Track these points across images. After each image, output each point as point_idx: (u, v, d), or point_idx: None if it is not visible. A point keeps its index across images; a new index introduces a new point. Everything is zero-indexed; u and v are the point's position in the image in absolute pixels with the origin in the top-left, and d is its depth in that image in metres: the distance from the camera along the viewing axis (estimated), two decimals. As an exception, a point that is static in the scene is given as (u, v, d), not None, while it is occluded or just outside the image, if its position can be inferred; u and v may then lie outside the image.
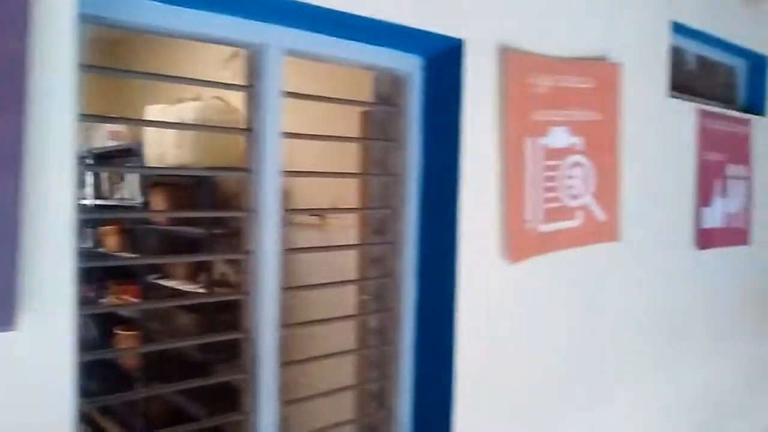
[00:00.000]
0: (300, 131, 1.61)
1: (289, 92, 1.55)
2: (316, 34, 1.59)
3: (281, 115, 1.54)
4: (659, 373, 2.68)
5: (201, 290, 3.37)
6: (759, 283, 3.41)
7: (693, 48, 2.91)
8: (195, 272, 3.58)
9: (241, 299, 1.57)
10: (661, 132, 2.52)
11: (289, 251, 1.63)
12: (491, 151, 1.81)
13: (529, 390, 2.04)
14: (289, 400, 1.62)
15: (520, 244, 1.88)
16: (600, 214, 2.18)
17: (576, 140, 2.05)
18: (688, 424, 2.92)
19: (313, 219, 3.03)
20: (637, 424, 2.58)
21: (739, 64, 3.23)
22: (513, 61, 1.81)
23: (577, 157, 2.07)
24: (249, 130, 1.53)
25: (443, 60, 1.75)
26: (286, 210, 1.61)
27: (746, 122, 3.05)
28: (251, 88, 1.53)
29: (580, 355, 2.25)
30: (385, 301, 1.86)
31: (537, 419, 2.08)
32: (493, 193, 1.82)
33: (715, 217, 2.89)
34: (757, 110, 3.20)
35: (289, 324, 1.63)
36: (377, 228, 1.88)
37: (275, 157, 1.54)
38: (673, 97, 2.60)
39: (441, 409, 1.82)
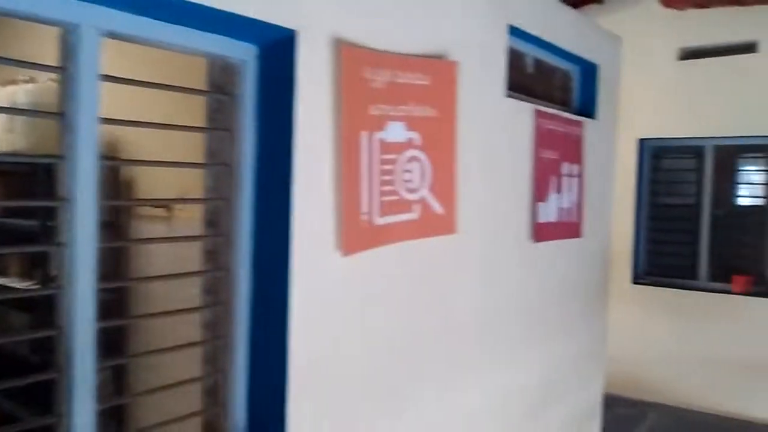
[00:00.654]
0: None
1: (107, 76, 1.48)
2: (139, 17, 1.52)
3: (98, 100, 1.46)
4: (498, 360, 2.82)
5: (35, 287, 3.15)
6: (589, 272, 3.69)
7: (531, 52, 3.08)
8: (29, 268, 3.34)
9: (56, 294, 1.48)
10: (498, 130, 2.65)
11: (110, 244, 1.55)
12: (326, 144, 1.82)
13: (364, 382, 2.07)
14: (108, 397, 1.55)
15: (354, 236, 1.91)
16: (437, 208, 2.26)
17: (413, 135, 2.11)
18: (524, 403, 3.10)
19: (160, 211, 2.92)
20: (476, 411, 2.70)
21: (573, 70, 3.47)
22: (347, 54, 1.82)
23: (414, 152, 2.13)
24: (61, 115, 1.44)
25: (276, 50, 1.73)
26: (109, 200, 1.53)
27: (579, 124, 3.29)
28: (64, 70, 1.44)
29: (420, 346, 2.31)
30: (218, 294, 1.82)
31: (371, 410, 2.12)
32: (328, 186, 1.83)
33: (550, 211, 3.09)
34: (588, 113, 3.45)
35: (108, 319, 1.56)
36: (211, 220, 1.84)
37: (91, 143, 1.46)
38: (511, 97, 2.74)
39: (275, 403, 1.81)
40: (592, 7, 5.40)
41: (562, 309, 3.38)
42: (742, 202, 5.50)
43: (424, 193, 2.20)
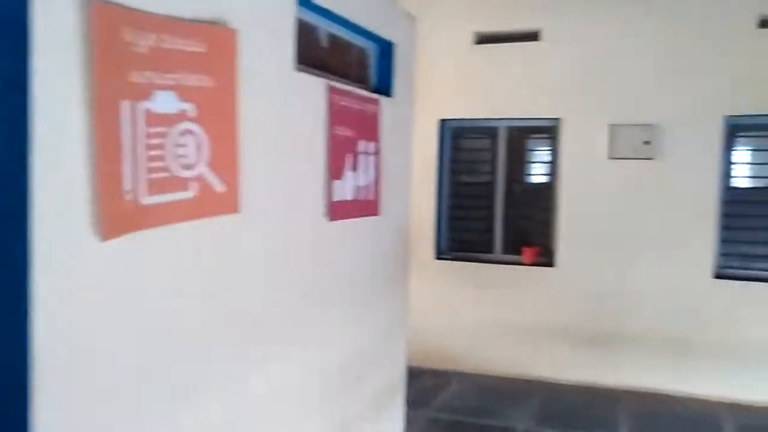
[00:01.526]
0: None
1: None
2: None
3: None
4: (293, 344, 2.74)
5: None
6: (389, 249, 3.75)
7: (325, 26, 3.01)
8: None
9: None
10: (288, 104, 2.54)
11: None
12: (76, 114, 1.59)
13: (138, 377, 1.88)
14: None
15: (115, 218, 1.70)
16: (218, 185, 2.11)
17: (186, 106, 1.94)
18: (325, 385, 3.07)
19: None
20: (268, 398, 2.61)
21: (370, 47, 3.46)
22: (99, 12, 1.61)
23: (189, 125, 1.96)
24: None
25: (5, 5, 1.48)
26: None
27: (375, 101, 3.29)
28: None
29: (203, 333, 2.16)
30: None
31: (146, 406, 1.94)
32: (80, 161, 1.61)
33: (346, 189, 3.06)
34: (385, 91, 3.47)
35: None
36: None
37: None
38: (303, 71, 2.65)
39: (17, 404, 1.57)
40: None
41: (362, 287, 3.39)
42: (533, 180, 5.93)
43: (202, 169, 2.04)
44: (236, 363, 2.34)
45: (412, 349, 5.87)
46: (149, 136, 1.80)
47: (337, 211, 2.99)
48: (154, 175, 1.84)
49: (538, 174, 5.89)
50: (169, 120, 1.88)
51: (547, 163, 5.74)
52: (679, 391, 5.32)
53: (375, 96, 3.30)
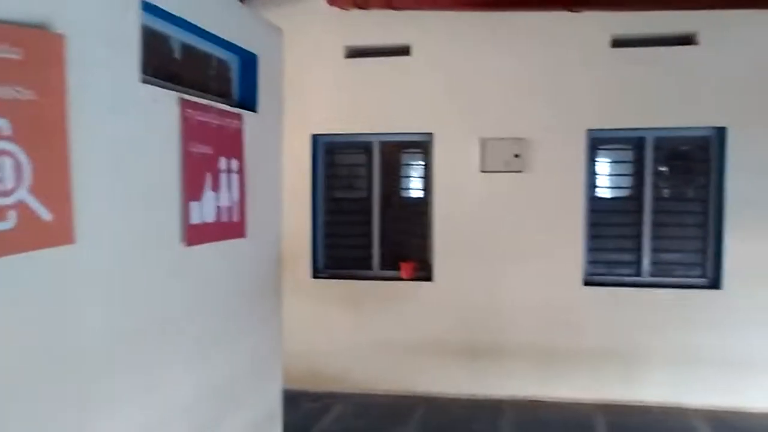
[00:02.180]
0: None
1: None
2: None
3: None
4: (144, 382, 2.47)
5: None
6: (258, 272, 3.54)
7: (178, 36, 2.78)
8: None
9: None
10: (133, 120, 2.29)
11: None
12: None
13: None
14: None
15: None
16: (44, 213, 1.83)
17: (-1, 123, 1.67)
18: (184, 424, 2.81)
19: None
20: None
21: (231, 59, 3.26)
22: None
23: (3, 144, 1.68)
24: None
25: None
26: None
27: (237, 116, 3.08)
28: None
29: (40, 379, 1.87)
30: None
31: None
32: None
33: (206, 211, 2.83)
34: (249, 106, 3.28)
35: None
36: None
37: None
38: (151, 83, 2.41)
39: None
40: (258, -1, 5.30)
41: (229, 314, 3.16)
42: (408, 194, 5.91)
43: (22, 195, 1.76)
44: (74, 412, 2.05)
45: (292, 372, 5.67)
46: (-53, 157, 1.52)
47: (196, 235, 2.75)
48: (-41, 204, 1.56)
49: (413, 189, 5.88)
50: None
51: (421, 177, 5.74)
52: (554, 397, 5.46)
53: (236, 111, 3.09)
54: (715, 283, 5.30)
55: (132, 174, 2.30)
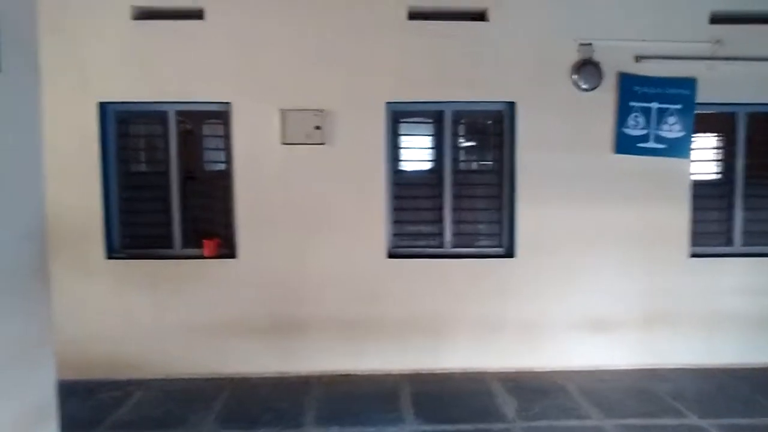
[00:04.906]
0: None
1: None
2: None
3: None
4: None
5: None
6: (10, 255, 3.17)
7: None
8: None
9: None
10: None
11: None
12: None
13: None
14: None
15: None
16: None
17: None
18: None
19: None
20: None
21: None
22: None
23: None
24: None
25: None
26: None
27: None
28: None
29: None
30: None
31: None
32: None
33: None
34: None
35: None
36: None
37: None
38: None
39: None
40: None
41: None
42: (209, 167, 5.66)
43: None
44: None
45: (84, 361, 5.28)
46: None
47: None
48: None
49: (214, 162, 5.63)
50: None
51: (222, 150, 5.50)
52: (363, 369, 5.51)
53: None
54: (509, 252, 5.59)
55: None
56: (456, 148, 5.61)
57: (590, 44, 5.36)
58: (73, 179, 5.22)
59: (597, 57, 5.37)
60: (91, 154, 5.29)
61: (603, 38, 5.37)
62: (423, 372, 5.53)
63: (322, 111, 5.28)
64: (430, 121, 5.60)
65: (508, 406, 4.82)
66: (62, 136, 5.16)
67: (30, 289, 3.39)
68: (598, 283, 5.58)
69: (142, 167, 5.62)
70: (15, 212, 3.18)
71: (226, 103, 5.34)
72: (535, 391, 5.14)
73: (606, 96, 5.42)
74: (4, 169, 3.00)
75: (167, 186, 5.49)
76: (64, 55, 5.15)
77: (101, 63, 5.22)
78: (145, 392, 5.17)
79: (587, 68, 5.36)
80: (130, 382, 5.34)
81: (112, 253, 5.47)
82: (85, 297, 5.36)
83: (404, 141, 5.61)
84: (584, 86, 5.38)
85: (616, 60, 5.41)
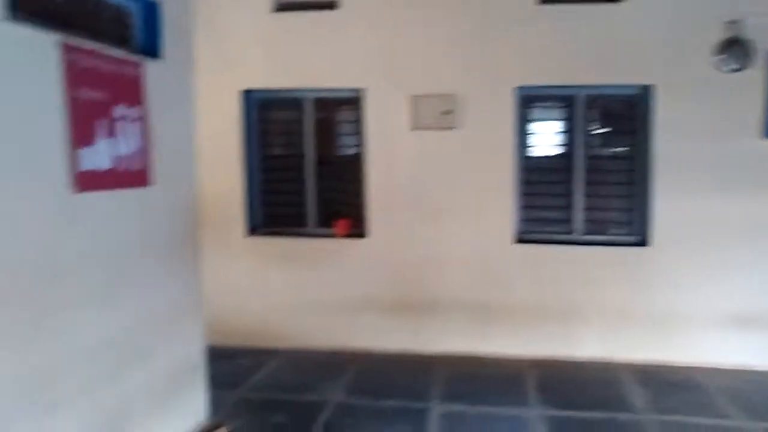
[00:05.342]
0: None
1: None
2: None
3: None
4: (37, 319, 2.46)
5: None
6: (168, 223, 3.51)
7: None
8: None
9: None
10: (6, 64, 2.25)
11: None
12: None
13: None
14: None
15: None
16: None
17: None
18: (82, 369, 2.82)
19: None
20: (18, 384, 2.33)
21: (132, 6, 3.18)
22: None
23: None
24: None
25: None
26: None
27: (135, 63, 3.03)
28: None
29: None
30: None
31: None
32: None
33: (100, 158, 2.79)
34: (151, 53, 3.22)
35: None
36: None
37: None
38: (27, 25, 2.35)
39: None
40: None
41: (132, 263, 3.14)
42: (342, 151, 5.89)
43: None
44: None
45: (227, 329, 5.71)
46: None
47: (89, 181, 2.72)
48: None
49: (348, 146, 5.87)
50: None
51: (355, 134, 5.72)
52: (488, 353, 5.56)
53: (134, 57, 3.04)
54: (643, 241, 5.41)
55: (4, 118, 2.26)
56: (588, 133, 5.48)
57: (738, 22, 5.02)
58: (217, 162, 5.64)
59: (746, 35, 5.03)
60: (233, 138, 5.69)
61: (752, 14, 5.01)
62: (549, 359, 5.50)
63: (452, 96, 5.35)
64: (561, 105, 5.51)
65: (639, 397, 4.70)
66: (208, 122, 5.58)
67: (184, 259, 3.76)
68: (743, 276, 5.26)
69: (280, 151, 5.96)
70: (172, 189, 3.52)
71: (360, 89, 5.54)
72: (668, 384, 4.96)
73: (754, 76, 5.07)
74: (164, 148, 3.34)
75: (303, 168, 5.79)
76: (211, 47, 5.56)
77: (245, 54, 5.59)
78: (279, 361, 5.53)
79: (734, 47, 5.03)
80: (265, 351, 5.72)
81: (251, 231, 5.86)
82: (227, 271, 5.79)
83: (534, 126, 5.56)
84: (730, 66, 5.05)
85: (766, 38, 5.03)
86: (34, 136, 2.43)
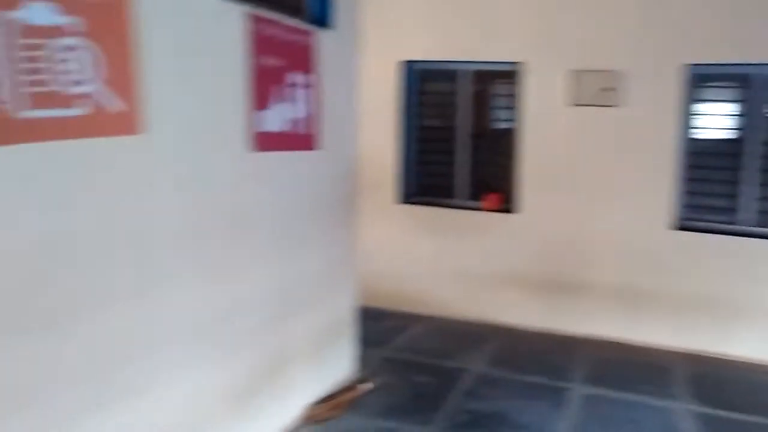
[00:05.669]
0: None
1: None
2: None
3: None
4: (212, 272, 2.75)
5: None
6: (332, 186, 3.74)
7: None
8: None
9: None
10: (200, 29, 2.50)
11: None
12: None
13: (32, 280, 1.90)
14: None
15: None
16: (113, 104, 2.09)
17: (69, 20, 1.90)
18: (254, 315, 3.10)
19: None
20: (184, 321, 2.64)
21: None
22: None
23: (73, 40, 1.93)
24: None
25: None
26: None
27: (308, 33, 3.23)
28: None
29: (102, 250, 2.17)
30: None
31: (44, 310, 1.96)
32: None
33: (274, 121, 3.03)
34: (323, 22, 3.41)
35: None
36: None
37: None
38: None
39: None
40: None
41: (299, 221, 3.39)
42: (497, 125, 5.88)
43: (95, 86, 2.01)
44: (140, 284, 2.36)
45: (374, 292, 5.95)
46: (22, 48, 1.77)
47: (265, 142, 2.97)
48: (34, 89, 1.82)
49: (502, 119, 5.84)
50: (45, 33, 1.84)
51: (511, 108, 5.67)
52: (635, 340, 5.37)
53: (309, 27, 3.24)
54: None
55: (197, 78, 2.52)
56: (765, 117, 5.03)
57: None
58: (373, 130, 5.83)
59: None
60: (390, 107, 5.85)
61: None
62: (701, 353, 5.19)
63: (614, 72, 5.14)
64: (735, 85, 5.10)
65: (806, 405, 4.34)
66: (367, 90, 5.79)
67: (344, 221, 3.99)
68: None
69: (433, 122, 6.04)
70: (337, 154, 3.73)
71: (518, 63, 5.48)
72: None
73: None
74: (331, 115, 3.54)
75: (455, 140, 5.85)
76: (374, 17, 5.72)
77: (405, 25, 5.70)
78: (422, 326, 5.69)
79: None
80: (408, 315, 5.90)
81: (403, 198, 6.03)
82: (377, 235, 6.01)
83: (702, 107, 5.20)
84: None
85: None
86: (223, 98, 2.70)
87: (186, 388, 2.62)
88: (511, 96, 5.62)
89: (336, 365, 4.10)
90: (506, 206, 5.73)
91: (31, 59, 1.80)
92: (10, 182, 1.81)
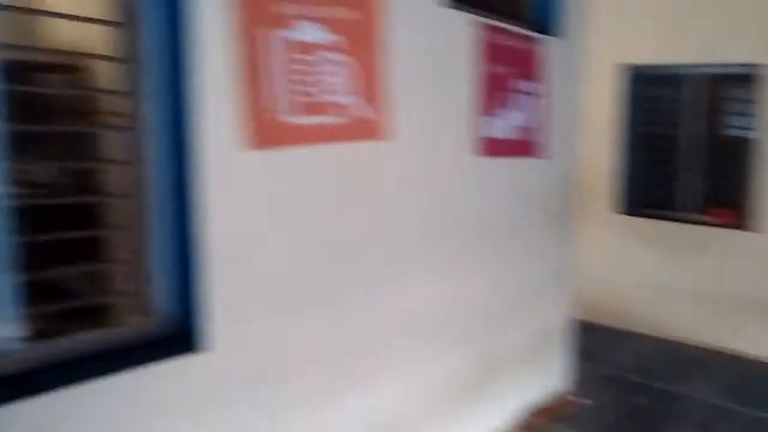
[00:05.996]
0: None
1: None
2: None
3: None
4: (442, 270, 2.87)
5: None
6: (553, 194, 3.69)
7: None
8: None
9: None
10: (436, 40, 2.63)
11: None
12: (222, 39, 1.83)
13: (289, 275, 2.14)
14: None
15: (260, 132, 1.94)
16: (368, 113, 2.28)
17: (332, 37, 2.12)
18: (477, 316, 3.17)
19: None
20: (415, 314, 2.77)
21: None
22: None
23: (335, 55, 2.14)
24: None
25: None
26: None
27: (533, 40, 3.24)
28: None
29: (350, 247, 2.37)
30: (134, 184, 1.84)
31: (296, 302, 2.19)
32: (228, 82, 1.86)
33: (500, 127, 3.08)
34: (551, 31, 3.40)
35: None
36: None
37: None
38: (451, 7, 2.71)
39: (194, 286, 1.88)
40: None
41: (520, 227, 3.41)
42: (727, 133, 5.39)
43: (351, 97, 2.21)
44: (379, 279, 2.53)
45: (586, 304, 5.73)
46: (291, 62, 2.01)
47: (491, 147, 3.03)
48: (300, 98, 2.05)
49: (735, 127, 5.32)
50: (312, 49, 2.07)
51: (745, 115, 5.16)
52: None
53: (537, 35, 3.25)
54: None
55: (432, 86, 2.65)
56: None
57: None
58: (591, 136, 5.63)
59: None
60: (608, 113, 5.63)
61: None
62: None
63: None
64: None
65: None
66: (587, 95, 5.64)
67: (563, 230, 3.91)
68: None
69: (653, 129, 5.70)
70: (559, 162, 3.67)
71: (754, 64, 4.99)
72: None
73: None
74: (556, 123, 3.51)
75: (677, 149, 5.47)
76: (595, 20, 5.54)
77: (626, 27, 5.46)
78: (639, 343, 5.36)
79: None
80: (624, 332, 5.59)
81: (619, 207, 5.75)
82: (590, 246, 5.78)
83: None
84: None
85: None
86: (453, 105, 2.81)
87: (405, 382, 2.75)
88: (747, 102, 5.13)
89: (548, 375, 4.03)
90: (740, 222, 5.22)
91: (302, 72, 2.03)
92: (281, 181, 2.06)
